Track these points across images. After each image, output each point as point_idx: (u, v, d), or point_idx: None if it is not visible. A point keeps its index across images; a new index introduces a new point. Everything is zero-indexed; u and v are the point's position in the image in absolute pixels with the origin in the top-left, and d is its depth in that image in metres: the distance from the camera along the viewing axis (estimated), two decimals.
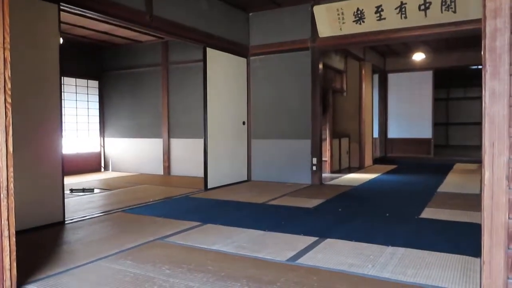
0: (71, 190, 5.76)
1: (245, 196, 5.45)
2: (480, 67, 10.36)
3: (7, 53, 2.25)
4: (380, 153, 10.64)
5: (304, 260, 2.83)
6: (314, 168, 6.43)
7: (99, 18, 6.17)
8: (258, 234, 3.53)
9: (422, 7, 5.55)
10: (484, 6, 1.50)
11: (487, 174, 1.56)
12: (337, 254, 2.95)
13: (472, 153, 11.26)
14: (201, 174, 6.31)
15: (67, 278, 2.54)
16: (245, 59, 6.90)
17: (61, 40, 4.06)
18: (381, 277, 2.52)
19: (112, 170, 8.50)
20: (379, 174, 7.68)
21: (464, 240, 3.30)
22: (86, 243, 3.32)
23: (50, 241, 3.40)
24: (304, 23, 6.46)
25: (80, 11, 4.19)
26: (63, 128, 4.08)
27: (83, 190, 5.86)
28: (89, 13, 4.31)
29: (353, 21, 6.03)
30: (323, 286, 2.37)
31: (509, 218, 1.54)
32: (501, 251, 1.53)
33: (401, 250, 3.02)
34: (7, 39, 2.25)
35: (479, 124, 13.39)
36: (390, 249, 3.06)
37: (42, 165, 3.82)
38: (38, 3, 3.75)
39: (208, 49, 5.98)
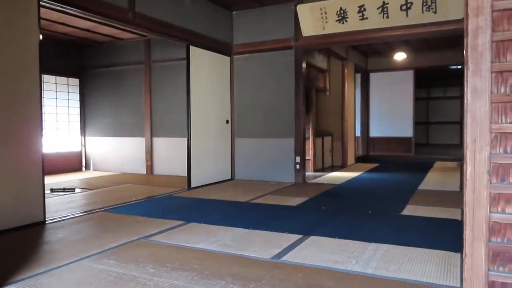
0: (52, 190, 5.65)
1: (229, 195, 5.44)
2: (459, 67, 10.55)
3: None
4: (362, 152, 10.76)
5: (289, 258, 2.85)
6: (298, 166, 6.46)
7: (80, 15, 6.08)
8: (243, 233, 3.53)
9: (404, 7, 5.63)
10: (467, 4, 1.54)
11: (469, 169, 1.60)
12: (321, 251, 2.97)
13: (452, 151, 11.51)
14: (184, 173, 6.26)
15: (48, 279, 2.49)
16: (229, 58, 6.88)
17: (41, 37, 3.97)
18: (365, 273, 2.55)
19: (93, 170, 8.37)
20: (361, 173, 7.77)
21: (445, 236, 3.37)
22: (68, 243, 3.26)
23: (30, 241, 3.33)
24: (287, 22, 6.48)
25: (61, 7, 4.10)
26: (43, 127, 3.99)
27: (64, 189, 5.76)
28: (70, 9, 4.22)
29: (336, 21, 6.08)
30: (308, 283, 2.39)
31: (490, 212, 1.59)
32: (483, 244, 1.57)
33: (384, 247, 3.07)
34: None
35: (458, 123, 13.71)
36: (373, 245, 3.10)
37: (22, 164, 3.73)
38: None
39: (191, 47, 5.94)
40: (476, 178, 1.58)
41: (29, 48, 3.79)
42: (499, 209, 1.59)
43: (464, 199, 1.61)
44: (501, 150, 1.59)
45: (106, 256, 2.90)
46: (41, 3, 3.88)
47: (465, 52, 1.60)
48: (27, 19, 3.76)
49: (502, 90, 1.57)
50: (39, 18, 3.88)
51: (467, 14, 1.55)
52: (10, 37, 3.62)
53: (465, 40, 1.60)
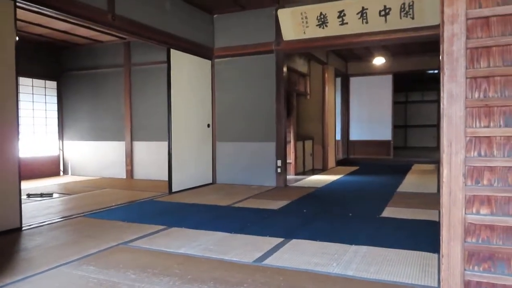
0: (28, 195, 5.52)
1: (211, 199, 5.42)
2: (436, 71, 10.77)
3: None
4: (343, 155, 10.88)
5: (270, 261, 2.86)
6: (279, 170, 6.49)
7: (58, 16, 5.97)
8: (225, 236, 3.52)
9: (382, 13, 5.74)
10: (442, 12, 1.60)
11: (445, 172, 1.65)
12: (303, 254, 2.99)
13: (429, 154, 11.75)
14: (165, 178, 6.21)
15: (25, 286, 2.43)
16: (210, 61, 6.87)
17: (17, 38, 3.88)
18: (346, 275, 2.58)
19: (71, 174, 8.22)
20: (342, 176, 7.85)
21: (423, 237, 3.44)
22: (46, 249, 3.19)
23: (6, 248, 3.24)
24: (268, 26, 6.52)
25: (38, 8, 4.03)
26: (19, 131, 3.89)
27: (41, 195, 5.63)
28: (48, 11, 4.15)
29: (317, 25, 6.15)
30: (290, 286, 2.40)
31: (465, 213, 1.64)
32: (459, 245, 1.63)
33: (364, 249, 3.11)
34: None
35: (435, 126, 13.98)
36: (353, 247, 3.14)
37: None
38: None
39: (172, 51, 5.91)
40: (452, 181, 1.63)
41: (5, 50, 3.70)
42: (474, 211, 1.65)
43: (440, 201, 1.66)
44: (476, 154, 1.65)
45: (86, 262, 2.85)
46: (17, 4, 3.80)
47: (441, 58, 1.66)
48: (3, 20, 3.68)
49: (476, 95, 1.63)
50: (16, 19, 3.80)
51: (443, 22, 1.61)
52: None
53: (441, 46, 1.65)
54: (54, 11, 4.19)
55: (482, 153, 1.64)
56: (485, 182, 1.65)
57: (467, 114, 1.63)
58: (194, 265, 2.79)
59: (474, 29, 1.61)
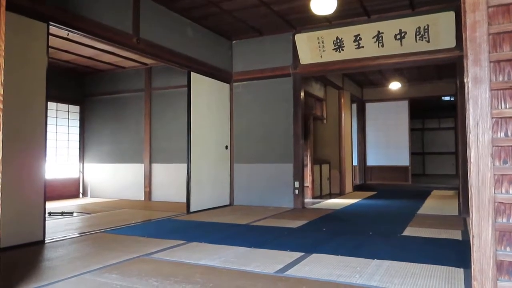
0: (49, 214, 5.61)
1: (229, 218, 5.42)
2: (452, 98, 10.75)
3: (1, 60, 2.27)
4: (360, 181, 10.79)
5: (292, 272, 2.84)
6: (297, 191, 6.47)
7: (85, 42, 6.25)
8: (245, 251, 3.51)
9: (398, 36, 5.85)
10: (464, 2, 1.67)
11: (472, 152, 1.67)
12: (325, 267, 2.96)
13: (448, 181, 11.56)
14: (183, 200, 6.26)
15: None
16: (228, 85, 7.03)
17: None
18: (370, 285, 2.55)
19: (90, 196, 8.33)
20: (359, 199, 7.78)
21: (446, 253, 3.37)
22: (68, 259, 3.23)
23: (31, 258, 3.29)
24: (285, 50, 6.68)
25: (69, 30, 4.24)
26: (46, 153, 4.02)
27: (62, 213, 5.72)
28: (77, 33, 4.35)
29: (333, 49, 6.28)
30: None
31: (494, 193, 1.64)
32: (489, 225, 1.61)
33: (386, 263, 3.06)
34: (2, 46, 2.28)
35: (453, 153, 13.75)
36: (375, 261, 3.10)
37: (26, 187, 3.73)
38: (27, 21, 3.77)
39: (192, 74, 6.08)
40: (480, 161, 1.65)
41: (37, 74, 3.85)
42: (503, 190, 1.65)
43: (469, 182, 1.67)
44: (502, 134, 1.67)
45: (108, 270, 2.88)
46: (50, 26, 4.00)
47: (464, 45, 1.71)
48: (37, 42, 3.87)
49: (501, 78, 1.67)
50: (48, 42, 3.98)
51: (464, 11, 1.68)
52: (20, 60, 3.71)
53: (463, 34, 1.71)
54: (84, 34, 4.39)
55: (509, 134, 1.65)
56: None
57: (492, 96, 1.66)
58: (216, 274, 2.79)
59: (495, 16, 1.67)
